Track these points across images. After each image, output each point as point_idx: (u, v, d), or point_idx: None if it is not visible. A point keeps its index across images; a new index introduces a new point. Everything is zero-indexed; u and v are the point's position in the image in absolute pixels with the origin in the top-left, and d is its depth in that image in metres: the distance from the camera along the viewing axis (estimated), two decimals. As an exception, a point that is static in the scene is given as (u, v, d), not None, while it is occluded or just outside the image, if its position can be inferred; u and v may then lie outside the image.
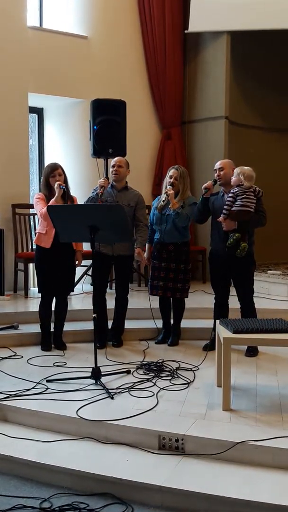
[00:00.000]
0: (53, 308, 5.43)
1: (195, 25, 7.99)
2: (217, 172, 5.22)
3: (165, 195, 5.29)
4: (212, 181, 5.25)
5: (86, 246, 5.61)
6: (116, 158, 5.52)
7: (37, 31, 7.44)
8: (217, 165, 5.27)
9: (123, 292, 5.55)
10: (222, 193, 5.26)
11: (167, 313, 5.64)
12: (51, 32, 7.56)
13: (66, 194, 5.15)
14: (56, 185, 5.10)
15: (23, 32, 7.18)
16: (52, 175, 5.18)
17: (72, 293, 6.70)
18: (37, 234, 5.37)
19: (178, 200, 5.28)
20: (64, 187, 5.12)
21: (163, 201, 5.33)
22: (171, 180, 5.34)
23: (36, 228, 5.92)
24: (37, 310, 5.43)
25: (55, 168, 5.21)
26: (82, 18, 7.82)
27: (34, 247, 5.59)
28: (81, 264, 5.52)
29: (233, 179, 5.03)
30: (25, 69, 7.21)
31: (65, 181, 5.25)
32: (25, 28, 7.20)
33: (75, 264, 5.41)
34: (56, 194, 5.09)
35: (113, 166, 5.44)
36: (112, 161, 5.50)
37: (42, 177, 5.34)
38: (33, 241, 5.68)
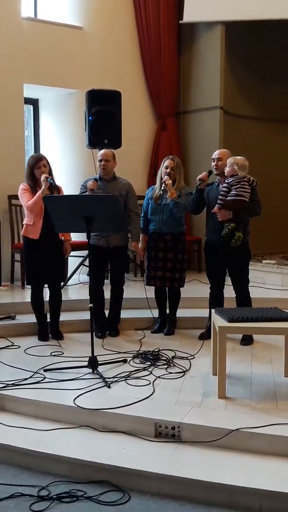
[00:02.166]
0: (46, 299, 5.43)
1: (189, 15, 7.97)
2: (215, 162, 5.21)
3: (163, 185, 5.28)
4: (207, 172, 5.24)
5: (79, 237, 5.64)
6: (102, 152, 5.45)
7: (31, 22, 7.41)
8: (215, 154, 5.24)
9: (119, 282, 5.56)
10: (217, 183, 5.25)
11: (163, 302, 5.66)
12: (46, 23, 7.53)
13: (52, 186, 5.13)
14: (43, 178, 5.05)
15: (18, 23, 7.15)
16: (37, 167, 5.14)
17: (68, 283, 6.74)
18: (24, 225, 5.31)
19: (174, 190, 5.28)
20: (50, 180, 5.09)
21: (162, 190, 5.33)
22: (168, 170, 5.32)
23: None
24: (33, 300, 5.45)
25: (40, 160, 5.17)
26: (77, 9, 7.80)
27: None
28: (77, 255, 5.52)
29: (227, 169, 5.02)
30: (20, 60, 7.18)
31: (50, 172, 5.21)
32: (19, 19, 7.18)
33: (65, 254, 5.42)
34: (43, 187, 5.04)
35: (100, 161, 5.40)
36: (99, 156, 5.44)
37: (26, 168, 5.29)
38: (21, 233, 5.57)
